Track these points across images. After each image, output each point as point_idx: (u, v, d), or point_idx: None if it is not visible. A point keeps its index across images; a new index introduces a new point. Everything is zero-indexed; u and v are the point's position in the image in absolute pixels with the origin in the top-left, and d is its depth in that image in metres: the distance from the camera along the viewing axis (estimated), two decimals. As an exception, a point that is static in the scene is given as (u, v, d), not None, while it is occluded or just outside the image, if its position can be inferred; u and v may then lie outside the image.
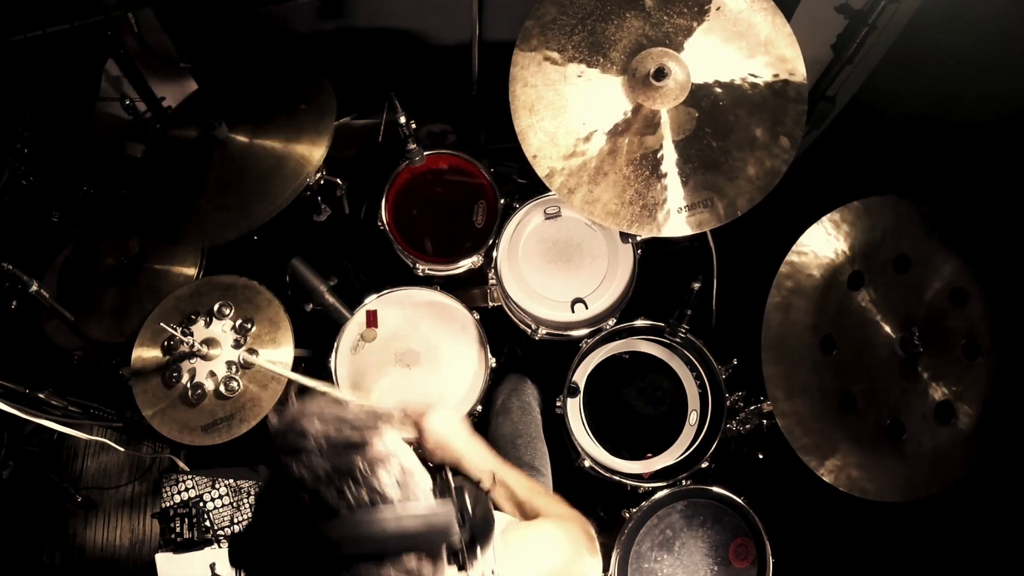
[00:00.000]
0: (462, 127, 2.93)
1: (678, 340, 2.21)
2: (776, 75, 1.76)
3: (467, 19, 2.44)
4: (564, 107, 1.77)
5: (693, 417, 2.21)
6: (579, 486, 2.18)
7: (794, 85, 1.75)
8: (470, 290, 2.45)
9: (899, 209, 1.78)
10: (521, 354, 2.64)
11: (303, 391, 1.69)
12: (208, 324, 2.05)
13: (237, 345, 2.02)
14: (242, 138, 2.04)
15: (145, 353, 2.06)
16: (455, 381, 2.16)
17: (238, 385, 1.98)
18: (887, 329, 1.76)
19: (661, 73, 1.71)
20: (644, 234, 1.77)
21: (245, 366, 1.98)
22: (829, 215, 1.78)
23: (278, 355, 2.02)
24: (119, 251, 2.40)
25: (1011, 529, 1.80)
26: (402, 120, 2.16)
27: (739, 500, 2.04)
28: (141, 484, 2.85)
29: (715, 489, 2.06)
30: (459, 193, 2.40)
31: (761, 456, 2.25)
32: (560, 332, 2.28)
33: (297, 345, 2.05)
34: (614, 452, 2.19)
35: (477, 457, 1.40)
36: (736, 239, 2.27)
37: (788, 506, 2.19)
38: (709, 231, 2.06)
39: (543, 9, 1.82)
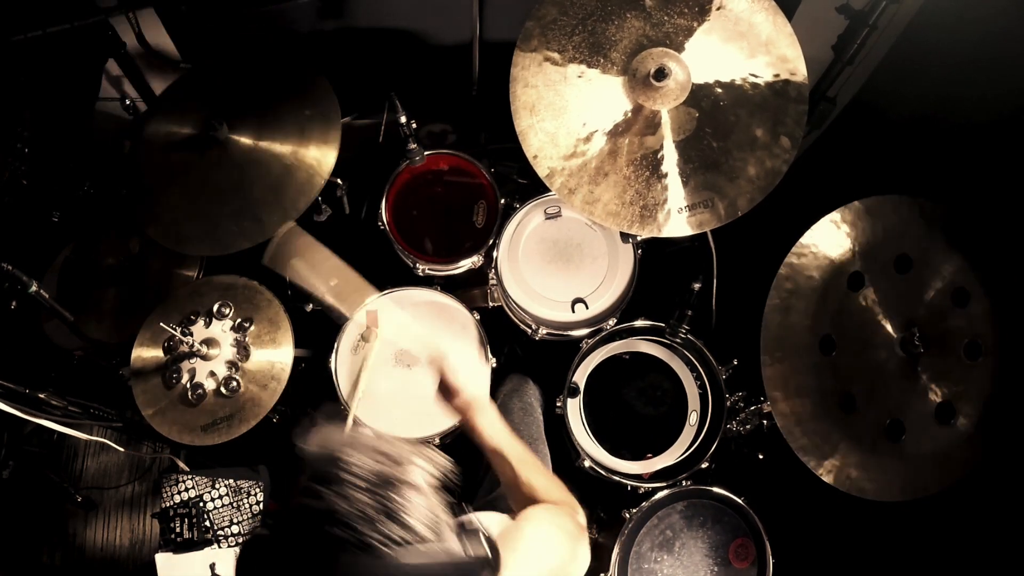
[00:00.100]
0: (462, 127, 2.93)
1: (678, 340, 2.21)
2: (777, 75, 1.76)
3: (467, 19, 2.44)
4: (564, 107, 1.77)
5: (693, 417, 2.21)
6: (579, 486, 2.18)
7: (795, 85, 1.75)
8: (470, 290, 2.45)
9: (900, 209, 1.78)
10: (521, 354, 2.64)
11: (329, 413, 1.69)
12: (208, 324, 2.05)
13: (237, 345, 2.02)
14: (245, 140, 2.04)
15: (145, 353, 2.06)
16: (455, 381, 2.16)
17: (238, 385, 1.98)
18: (887, 329, 1.76)
19: (661, 73, 1.71)
20: (644, 234, 1.77)
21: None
22: (829, 215, 1.78)
23: (278, 355, 2.02)
24: (119, 251, 2.40)
25: (1011, 529, 1.80)
26: (402, 120, 2.16)
27: (739, 500, 2.04)
28: (141, 484, 2.85)
29: (715, 489, 2.06)
30: (459, 193, 2.40)
31: (761, 456, 2.25)
32: (560, 332, 2.28)
33: (297, 345, 2.05)
34: (614, 452, 2.19)
35: (487, 421, 1.43)
36: (736, 239, 2.27)
37: (788, 506, 2.19)
38: (709, 231, 2.06)
39: (543, 9, 1.81)
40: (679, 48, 1.77)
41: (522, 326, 2.32)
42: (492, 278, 2.30)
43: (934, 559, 2.06)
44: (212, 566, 2.08)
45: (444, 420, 2.11)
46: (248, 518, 2.15)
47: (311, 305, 2.29)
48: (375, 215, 2.32)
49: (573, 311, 2.25)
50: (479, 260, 2.29)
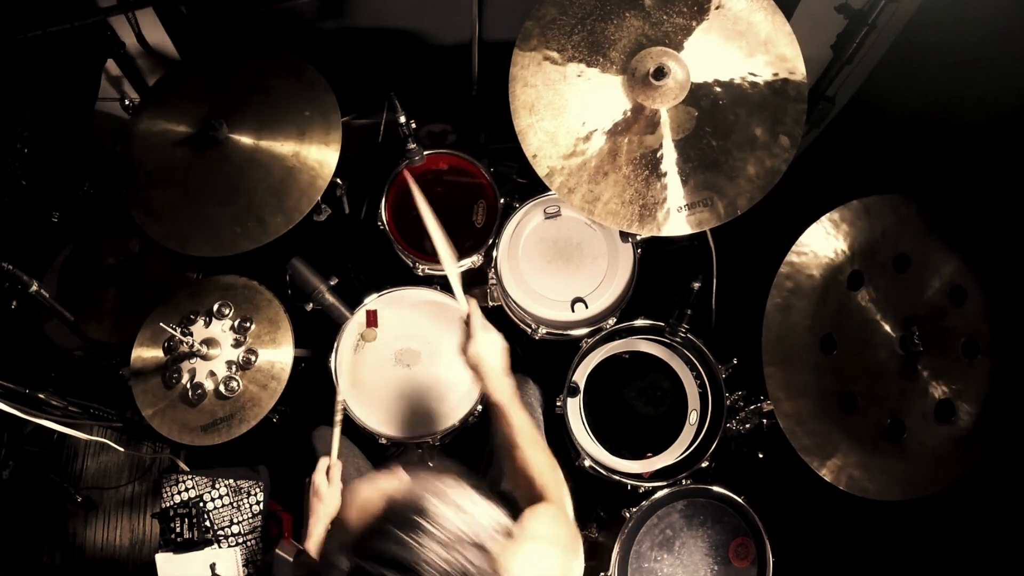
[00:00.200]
0: (462, 127, 2.93)
1: (678, 340, 2.21)
2: (776, 74, 1.76)
3: (467, 19, 2.44)
4: (564, 107, 1.77)
5: (693, 417, 2.21)
6: (579, 486, 2.18)
7: (794, 84, 1.76)
8: (470, 290, 2.46)
9: (899, 208, 1.79)
10: (521, 354, 2.64)
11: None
12: (208, 324, 2.05)
13: (237, 345, 2.02)
14: (245, 140, 2.04)
15: (145, 353, 2.06)
16: (455, 381, 2.16)
17: (238, 385, 1.98)
18: (887, 328, 1.76)
19: (661, 72, 1.71)
20: (644, 233, 1.77)
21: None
22: (829, 215, 1.79)
23: (278, 355, 2.02)
24: (119, 251, 2.40)
25: (1011, 529, 1.80)
26: (402, 120, 2.16)
27: (739, 500, 2.04)
28: (141, 484, 2.85)
29: (715, 489, 2.06)
30: (459, 193, 2.40)
31: (761, 456, 2.25)
32: (560, 332, 2.28)
33: (297, 345, 2.06)
34: (614, 452, 2.19)
35: (500, 386, 1.52)
36: (736, 239, 2.27)
37: (788, 506, 2.19)
38: (709, 230, 2.07)
39: (543, 9, 1.82)
40: (678, 47, 1.78)
41: (522, 325, 2.33)
42: (492, 278, 2.30)
43: (934, 558, 2.06)
44: (212, 566, 2.08)
45: (444, 420, 2.11)
46: (248, 518, 2.15)
47: (311, 305, 2.30)
48: (375, 215, 2.32)
49: (573, 310, 2.25)
50: (479, 260, 2.29)
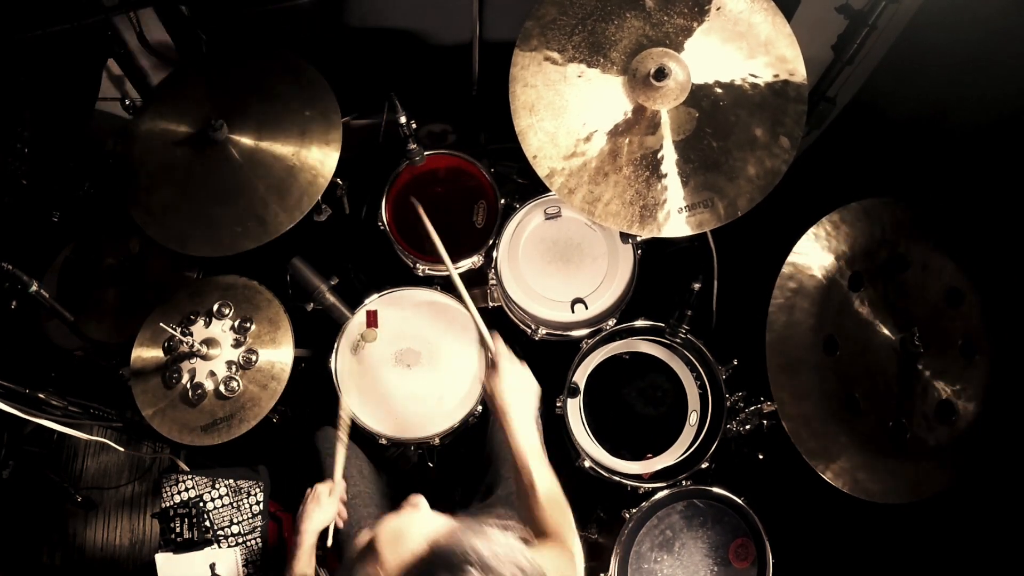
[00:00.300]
0: (462, 127, 2.93)
1: (678, 340, 2.21)
2: (776, 75, 1.76)
3: (467, 19, 2.44)
4: (564, 107, 1.77)
5: (693, 417, 2.21)
6: (579, 486, 2.18)
7: (794, 85, 1.76)
8: (470, 290, 2.45)
9: (898, 210, 1.79)
10: (521, 354, 2.63)
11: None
12: (208, 324, 2.05)
13: (237, 345, 2.02)
14: (245, 140, 2.04)
15: (145, 353, 2.06)
16: (455, 381, 2.16)
17: (238, 385, 1.98)
18: (888, 330, 1.76)
19: (661, 73, 1.71)
20: (644, 234, 1.77)
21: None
22: (829, 216, 1.79)
23: (278, 355, 2.02)
24: (119, 251, 2.40)
25: (1011, 529, 1.80)
26: (402, 120, 2.16)
27: (739, 500, 2.04)
28: (141, 484, 2.85)
29: (715, 489, 2.06)
30: (459, 193, 2.40)
31: (761, 456, 2.26)
32: (560, 332, 2.28)
33: (297, 345, 2.05)
34: (614, 452, 2.19)
35: (527, 434, 1.47)
36: (736, 239, 2.27)
37: (788, 506, 2.19)
38: (709, 231, 2.06)
39: (543, 9, 1.82)
40: (679, 48, 1.78)
41: (522, 326, 2.33)
42: (492, 278, 2.30)
43: (934, 559, 2.06)
44: (212, 566, 2.08)
45: (444, 420, 2.11)
46: (248, 518, 2.15)
47: (311, 305, 2.29)
48: (375, 215, 2.32)
49: (573, 311, 2.25)
50: (479, 260, 2.29)
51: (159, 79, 2.51)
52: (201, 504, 2.14)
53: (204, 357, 2.00)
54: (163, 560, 2.08)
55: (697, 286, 2.15)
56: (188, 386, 1.99)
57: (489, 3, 2.40)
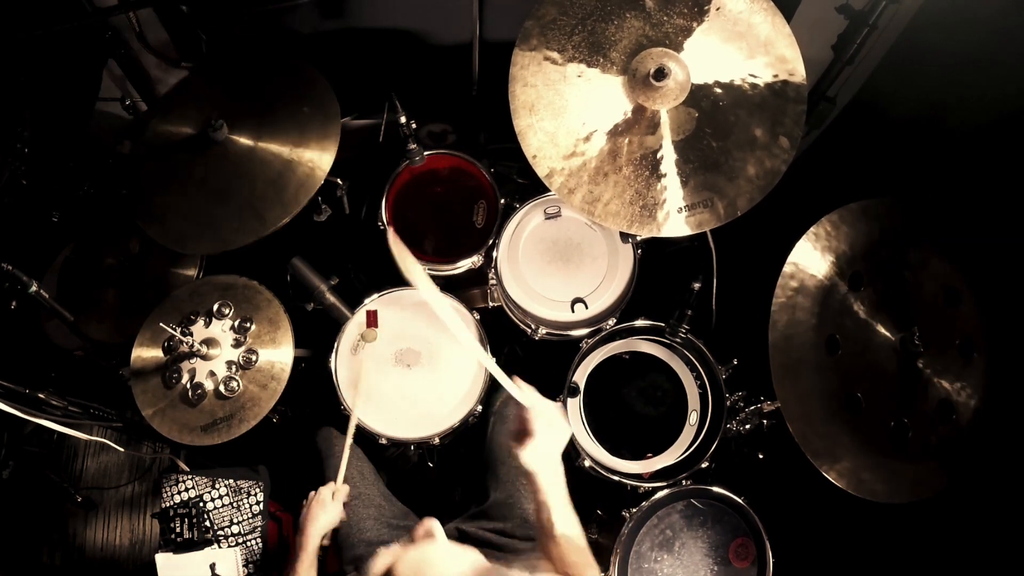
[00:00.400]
0: (462, 127, 2.93)
1: (678, 340, 2.21)
2: (776, 75, 1.76)
3: (467, 19, 2.44)
4: (564, 107, 1.77)
5: (693, 417, 2.21)
6: (579, 486, 2.18)
7: (793, 85, 1.76)
8: (470, 290, 2.46)
9: (896, 210, 1.79)
10: (521, 354, 2.64)
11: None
12: (208, 324, 2.05)
13: (237, 345, 2.02)
14: (245, 140, 2.04)
15: (145, 353, 2.06)
16: (455, 381, 2.16)
17: (238, 385, 1.98)
18: (888, 329, 1.76)
19: (661, 73, 1.71)
20: (644, 234, 1.77)
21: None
22: (828, 216, 1.79)
23: (278, 355, 2.02)
24: (119, 251, 2.40)
25: (1011, 529, 1.80)
26: (402, 120, 2.17)
27: (739, 500, 2.04)
28: (141, 484, 2.85)
29: (715, 489, 2.06)
30: (459, 193, 2.40)
31: (761, 456, 2.26)
32: (560, 332, 2.28)
33: (297, 345, 2.05)
34: (614, 452, 2.19)
35: (556, 484, 1.45)
36: (736, 239, 2.27)
37: (788, 506, 2.19)
38: (709, 231, 2.07)
39: (543, 9, 1.82)
40: (678, 48, 1.78)
41: (522, 326, 2.33)
42: (492, 278, 2.30)
43: (933, 557, 2.06)
44: (212, 566, 2.08)
45: (444, 420, 2.11)
46: (248, 518, 2.15)
47: (311, 305, 2.29)
48: (375, 215, 2.32)
49: (573, 311, 2.25)
50: (479, 260, 2.29)
51: (159, 79, 2.52)
52: (201, 504, 2.14)
53: (204, 357, 2.00)
54: (163, 560, 2.08)
55: (697, 286, 2.15)
56: (188, 386, 1.99)
57: (489, 3, 2.40)
